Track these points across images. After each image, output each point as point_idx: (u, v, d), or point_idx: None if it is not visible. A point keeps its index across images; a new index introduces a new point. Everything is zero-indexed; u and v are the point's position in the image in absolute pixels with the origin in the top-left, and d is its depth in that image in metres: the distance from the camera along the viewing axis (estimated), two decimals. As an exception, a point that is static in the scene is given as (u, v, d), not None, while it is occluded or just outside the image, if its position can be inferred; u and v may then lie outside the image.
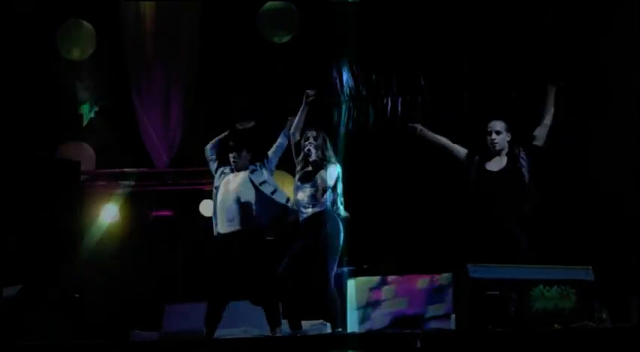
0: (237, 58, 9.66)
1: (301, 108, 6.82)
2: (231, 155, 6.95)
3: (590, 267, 5.54)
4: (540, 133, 6.36)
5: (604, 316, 5.98)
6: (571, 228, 8.28)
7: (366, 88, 9.66)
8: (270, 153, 6.95)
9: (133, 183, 10.03)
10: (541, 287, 5.32)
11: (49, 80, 9.66)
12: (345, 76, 9.67)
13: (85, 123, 10.12)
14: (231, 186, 6.87)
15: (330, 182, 6.57)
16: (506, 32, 8.97)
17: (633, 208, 8.20)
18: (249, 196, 6.79)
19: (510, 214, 6.22)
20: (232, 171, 6.94)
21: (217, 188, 6.94)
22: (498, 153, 6.41)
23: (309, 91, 6.83)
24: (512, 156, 6.37)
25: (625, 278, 7.60)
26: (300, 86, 9.41)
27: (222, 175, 6.97)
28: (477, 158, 6.46)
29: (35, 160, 8.15)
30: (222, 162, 7.06)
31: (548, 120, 6.40)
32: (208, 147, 7.09)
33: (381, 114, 9.60)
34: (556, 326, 5.26)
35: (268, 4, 9.28)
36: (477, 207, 6.37)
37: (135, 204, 10.02)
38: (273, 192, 6.82)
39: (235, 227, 6.77)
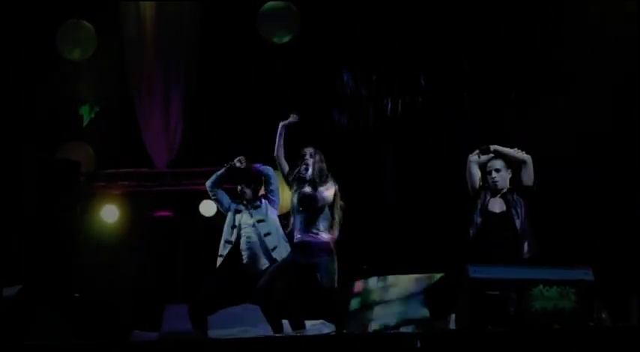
0: (237, 58, 9.66)
1: (279, 132, 6.66)
2: (239, 187, 6.96)
3: (590, 268, 5.54)
4: (526, 174, 6.33)
5: (604, 316, 5.98)
6: (571, 228, 8.29)
7: (366, 88, 9.67)
8: (272, 188, 6.90)
9: (132, 183, 10.04)
10: (541, 287, 5.32)
11: (49, 80, 9.66)
12: (345, 76, 9.68)
13: (85, 123, 10.12)
14: (249, 225, 6.88)
15: (329, 199, 6.52)
16: (506, 32, 8.98)
17: (633, 208, 8.21)
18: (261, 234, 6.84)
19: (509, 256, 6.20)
20: (244, 205, 6.93)
21: (234, 227, 6.91)
22: (500, 191, 6.36)
23: (294, 115, 6.71)
24: (507, 200, 6.34)
25: (625, 278, 7.60)
26: (300, 86, 9.49)
27: (237, 213, 6.95)
28: (486, 197, 6.40)
29: (35, 160, 8.14)
30: (232, 197, 7.08)
31: (526, 158, 6.35)
32: (208, 184, 7.07)
33: (381, 114, 9.61)
34: (556, 326, 5.26)
35: (268, 4, 9.28)
36: (477, 246, 6.35)
37: (135, 205, 10.02)
38: (273, 249, 6.83)
39: (255, 268, 6.81)
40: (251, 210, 6.87)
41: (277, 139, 6.66)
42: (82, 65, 9.74)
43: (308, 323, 6.81)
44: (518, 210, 6.22)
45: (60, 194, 7.97)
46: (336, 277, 6.44)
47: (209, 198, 9.55)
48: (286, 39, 9.33)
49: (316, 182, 6.47)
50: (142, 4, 9.77)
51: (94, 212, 9.82)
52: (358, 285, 7.67)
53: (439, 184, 8.80)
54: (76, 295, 7.60)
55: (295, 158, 6.64)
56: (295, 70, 9.62)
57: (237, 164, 6.87)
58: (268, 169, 6.88)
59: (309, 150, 6.61)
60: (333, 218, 6.55)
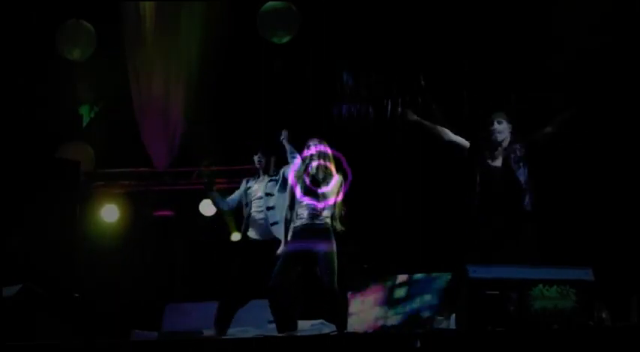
0: (236, 58, 9.66)
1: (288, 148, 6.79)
2: (256, 157, 7.04)
3: (590, 268, 5.55)
4: (539, 135, 6.38)
5: (604, 316, 5.98)
6: (571, 228, 8.28)
7: (366, 88, 9.67)
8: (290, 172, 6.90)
9: (132, 183, 10.04)
10: (541, 286, 5.32)
11: (49, 80, 9.65)
12: (345, 76, 9.68)
13: (85, 123, 10.11)
14: (258, 197, 6.96)
15: (333, 196, 6.55)
16: (506, 32, 8.97)
17: (633, 208, 8.20)
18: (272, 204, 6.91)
19: (514, 209, 6.26)
20: (258, 176, 7.02)
21: (247, 204, 7.01)
22: (500, 144, 6.38)
23: (283, 132, 6.81)
24: (508, 153, 6.36)
25: (625, 278, 7.60)
26: (300, 86, 9.48)
27: (248, 190, 7.06)
28: (485, 153, 6.44)
29: (35, 160, 8.15)
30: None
31: (551, 129, 6.39)
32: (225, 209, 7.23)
33: (381, 114, 9.61)
34: (555, 326, 5.26)
35: (268, 4, 9.27)
36: (483, 201, 6.37)
37: (135, 204, 10.02)
38: (270, 208, 6.90)
39: (263, 236, 6.86)
40: (262, 183, 6.95)
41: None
42: (81, 65, 9.73)
43: (308, 323, 6.81)
44: (520, 163, 6.25)
45: (60, 194, 7.96)
46: (336, 269, 6.42)
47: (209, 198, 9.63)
48: (286, 39, 9.32)
49: (319, 181, 6.50)
50: (142, 4, 9.76)
51: (94, 212, 9.82)
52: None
53: (439, 184, 8.80)
54: (76, 295, 7.60)
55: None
56: (295, 69, 9.61)
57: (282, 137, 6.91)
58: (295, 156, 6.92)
59: (313, 143, 6.64)
60: (335, 209, 6.57)
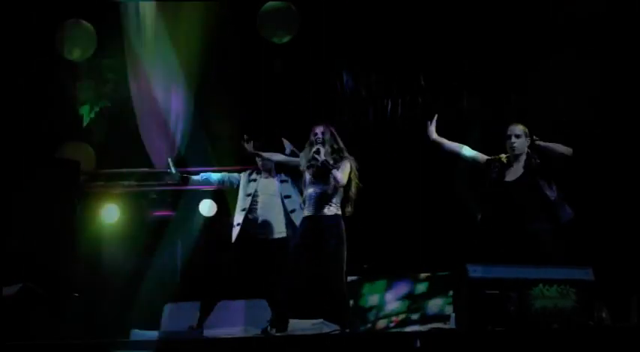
0: (236, 58, 9.65)
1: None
2: (258, 158, 7.08)
3: (590, 267, 5.55)
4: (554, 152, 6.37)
5: (604, 316, 5.98)
6: (571, 227, 8.27)
7: (366, 89, 9.67)
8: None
9: (132, 183, 10.04)
10: (541, 286, 5.33)
11: (49, 80, 9.65)
12: (345, 76, 9.68)
13: (85, 123, 10.11)
14: (267, 192, 6.97)
15: (345, 179, 6.49)
16: (506, 32, 8.97)
17: (633, 208, 8.20)
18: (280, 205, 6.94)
19: (536, 223, 6.21)
20: (259, 173, 7.04)
21: (249, 195, 7.01)
22: (517, 157, 6.36)
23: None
24: (529, 167, 6.33)
25: (625, 278, 7.60)
26: (300, 86, 9.48)
27: (252, 181, 7.06)
28: (497, 169, 6.41)
29: (35, 160, 8.14)
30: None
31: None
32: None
33: (381, 114, 9.60)
34: (555, 326, 5.26)
35: (268, 4, 9.27)
36: (495, 217, 6.35)
37: (135, 204, 10.01)
38: (292, 211, 6.90)
39: (273, 235, 6.91)
40: (270, 183, 6.98)
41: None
42: (81, 65, 9.72)
43: (308, 322, 6.80)
44: (541, 179, 6.23)
45: (60, 194, 7.96)
46: (344, 265, 6.38)
47: (209, 198, 9.64)
48: (286, 39, 9.32)
49: (328, 164, 6.44)
50: (142, 4, 9.76)
51: (94, 212, 9.81)
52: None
53: (440, 184, 8.80)
54: (76, 295, 7.60)
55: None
56: (295, 70, 9.61)
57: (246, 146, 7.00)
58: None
59: (319, 129, 6.60)
60: (346, 193, 6.52)
